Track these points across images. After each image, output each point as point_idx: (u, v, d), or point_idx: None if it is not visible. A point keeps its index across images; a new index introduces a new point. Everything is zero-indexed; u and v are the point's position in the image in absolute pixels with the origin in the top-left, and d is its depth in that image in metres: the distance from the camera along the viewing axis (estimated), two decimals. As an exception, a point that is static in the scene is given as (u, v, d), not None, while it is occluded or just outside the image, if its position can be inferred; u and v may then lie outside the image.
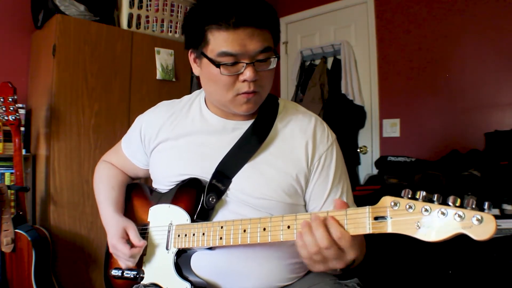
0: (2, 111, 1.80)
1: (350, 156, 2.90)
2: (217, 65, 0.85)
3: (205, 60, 0.88)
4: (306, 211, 0.98)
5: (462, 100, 2.51)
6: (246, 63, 0.85)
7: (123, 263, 0.98)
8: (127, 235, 0.97)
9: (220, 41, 0.84)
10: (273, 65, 0.89)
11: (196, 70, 0.96)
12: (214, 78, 0.88)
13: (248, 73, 0.85)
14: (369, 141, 2.95)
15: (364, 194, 2.29)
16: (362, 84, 2.96)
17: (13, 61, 2.23)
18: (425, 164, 2.37)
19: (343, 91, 2.91)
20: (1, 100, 1.79)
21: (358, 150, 2.99)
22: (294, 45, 3.41)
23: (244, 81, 0.86)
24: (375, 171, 2.71)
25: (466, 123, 2.49)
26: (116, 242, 0.95)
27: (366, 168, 2.95)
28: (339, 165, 0.99)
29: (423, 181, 2.19)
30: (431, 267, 1.78)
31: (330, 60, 3.09)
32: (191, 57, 0.95)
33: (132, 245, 0.95)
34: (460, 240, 0.58)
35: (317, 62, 3.14)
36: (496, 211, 1.90)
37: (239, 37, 0.83)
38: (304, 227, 0.73)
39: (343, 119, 2.87)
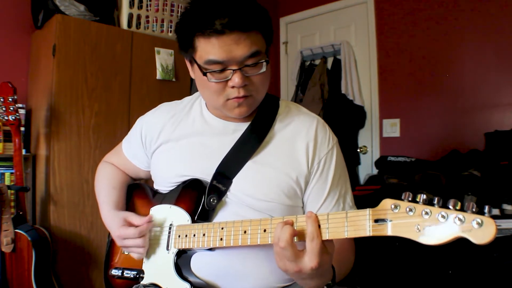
0: (2, 111, 1.80)
1: (350, 156, 2.90)
2: (204, 73, 0.85)
3: (196, 66, 0.88)
4: (304, 213, 0.97)
5: (462, 100, 2.51)
6: (233, 70, 0.83)
7: (135, 253, 0.95)
8: (129, 223, 0.96)
9: (206, 48, 0.83)
10: (263, 68, 0.87)
11: (191, 74, 0.96)
12: (204, 84, 0.88)
13: (236, 79, 0.84)
14: (369, 141, 2.95)
15: (364, 194, 2.29)
16: (362, 84, 2.96)
17: (13, 61, 2.23)
18: (425, 164, 2.37)
19: (343, 91, 2.91)
20: (1, 100, 1.79)
21: (358, 150, 2.98)
22: (294, 45, 3.41)
23: (233, 87, 0.86)
24: (375, 171, 2.71)
25: (466, 123, 2.49)
26: (121, 231, 0.93)
27: (366, 168, 2.95)
28: (338, 169, 0.98)
29: (423, 181, 2.19)
30: (431, 267, 1.78)
31: (330, 60, 3.09)
32: (187, 60, 0.95)
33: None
34: (460, 240, 0.58)
35: (317, 62, 3.14)
36: (496, 211, 1.91)
37: (225, 43, 0.81)
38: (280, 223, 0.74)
39: (343, 119, 2.87)
